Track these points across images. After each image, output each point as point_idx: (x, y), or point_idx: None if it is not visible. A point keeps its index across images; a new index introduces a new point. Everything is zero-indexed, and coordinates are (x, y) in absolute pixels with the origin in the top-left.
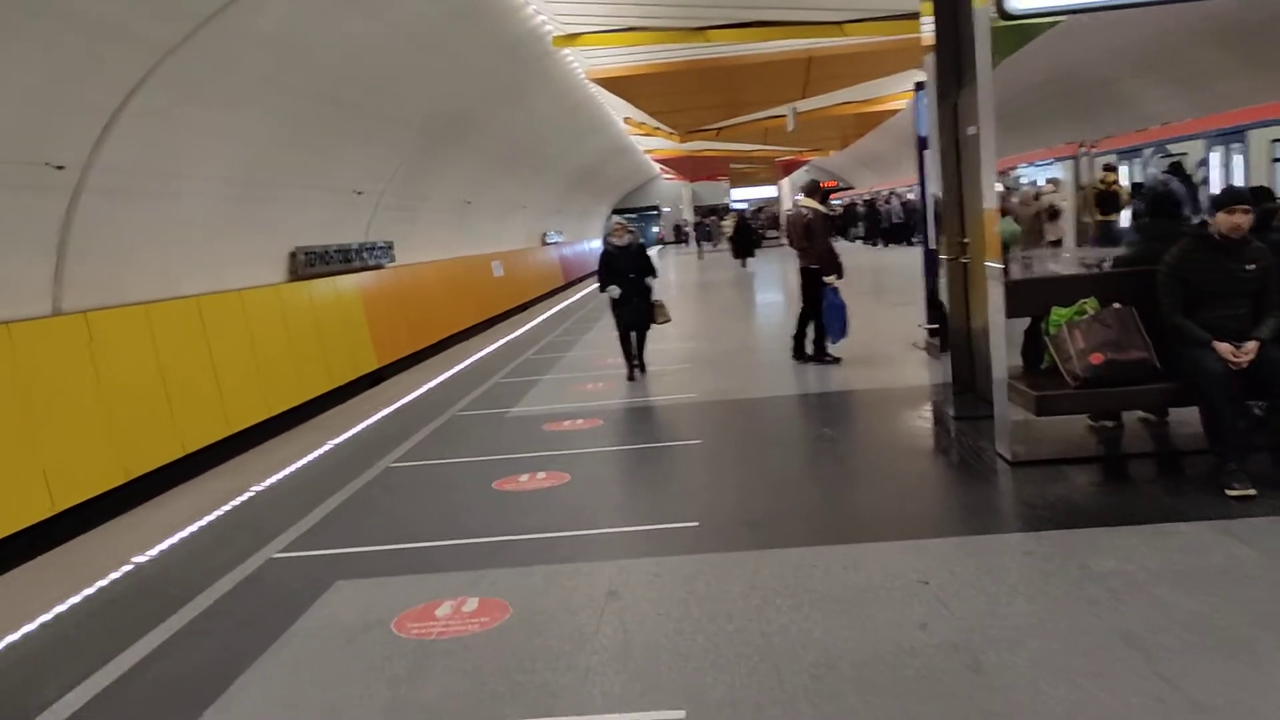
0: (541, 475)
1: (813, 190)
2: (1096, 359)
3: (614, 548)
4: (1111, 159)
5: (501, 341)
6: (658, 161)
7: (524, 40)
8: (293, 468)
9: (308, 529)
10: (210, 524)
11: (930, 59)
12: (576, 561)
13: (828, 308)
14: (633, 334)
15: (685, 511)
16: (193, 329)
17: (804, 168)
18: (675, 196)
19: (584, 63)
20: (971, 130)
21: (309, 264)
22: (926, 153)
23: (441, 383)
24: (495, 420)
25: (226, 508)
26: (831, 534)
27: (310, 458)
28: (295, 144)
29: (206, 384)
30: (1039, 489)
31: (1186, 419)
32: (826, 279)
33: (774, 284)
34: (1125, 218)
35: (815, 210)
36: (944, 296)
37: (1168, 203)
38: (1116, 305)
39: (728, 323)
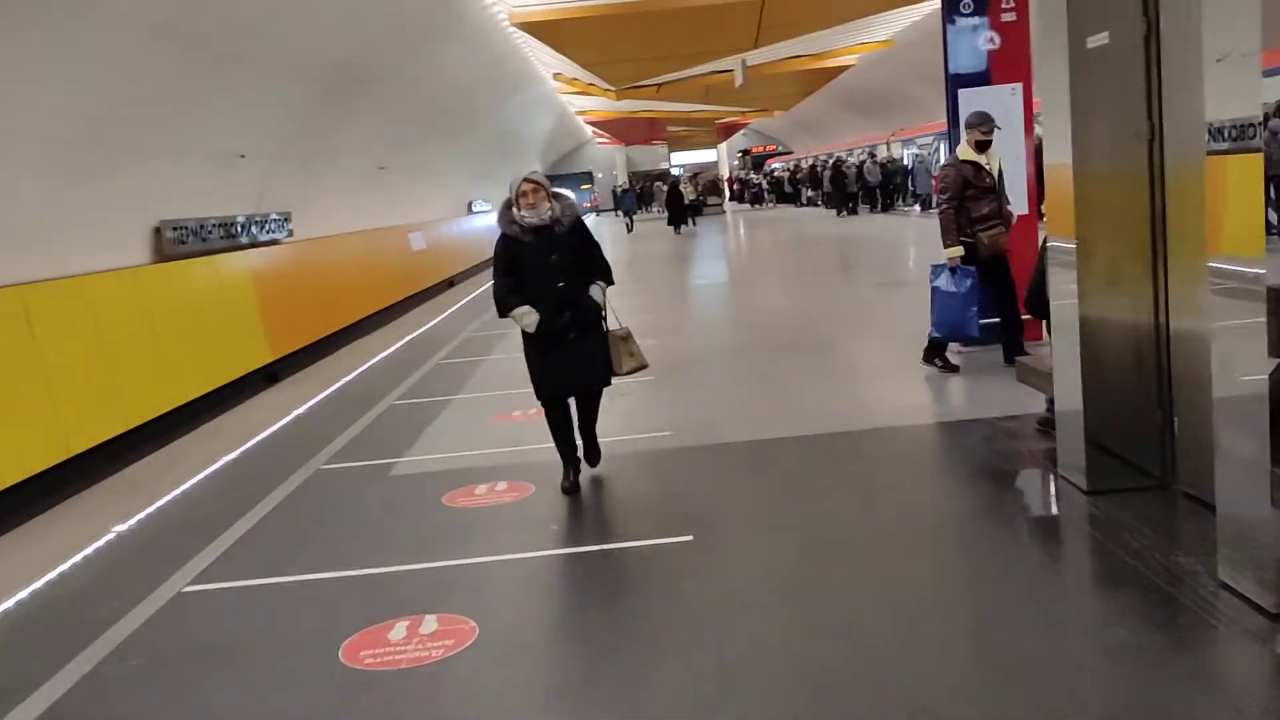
0: (414, 645)
1: (980, 122)
2: None
3: None
4: None
5: (411, 336)
6: (591, 124)
7: None
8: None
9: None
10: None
11: None
12: None
13: (933, 293)
14: (573, 407)
15: None
16: (15, 328)
17: (742, 131)
18: (610, 162)
19: (506, 5)
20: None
21: (179, 241)
22: (968, 93)
23: (329, 396)
24: (368, 484)
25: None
26: None
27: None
28: (156, 98)
29: (35, 396)
30: None
31: None
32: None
33: (716, 256)
34: None
35: (961, 163)
36: (1059, 301)
37: None
38: None
39: (689, 309)
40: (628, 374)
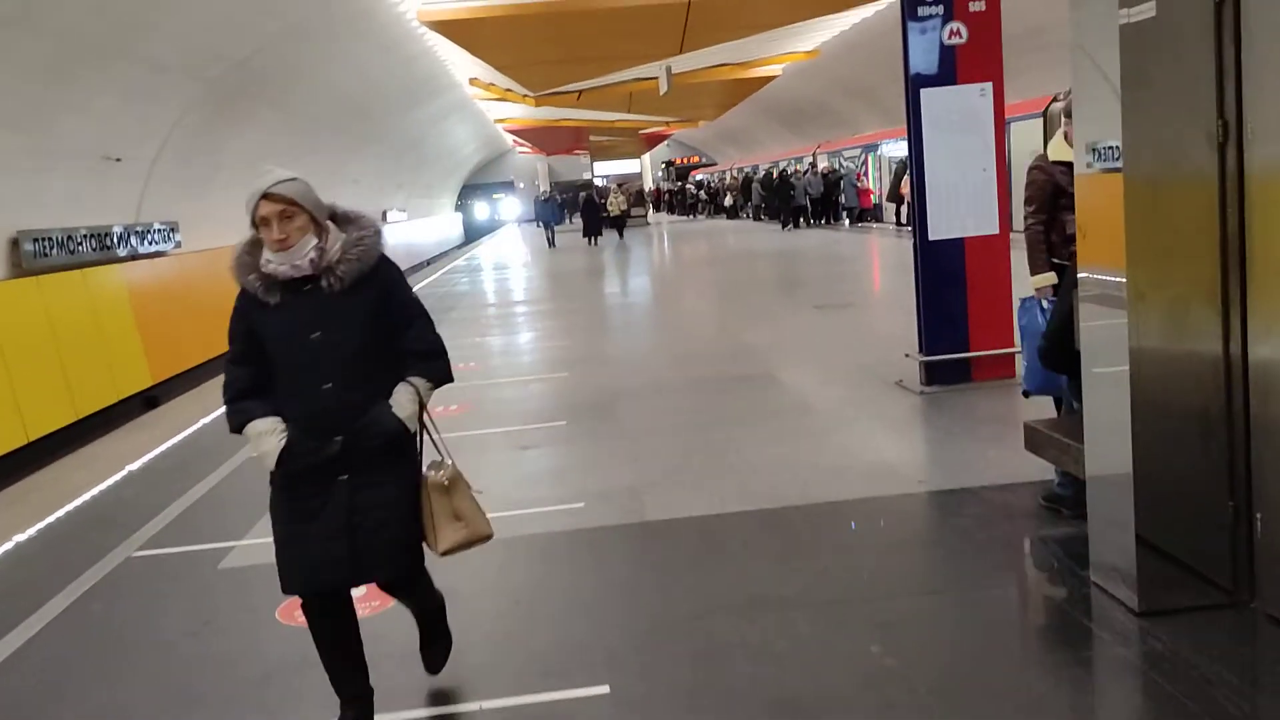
0: None
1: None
2: None
3: None
4: None
5: None
6: (511, 133)
7: None
8: None
9: None
10: None
11: None
12: None
13: (1021, 334)
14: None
15: None
16: None
17: (665, 142)
18: (532, 172)
19: (413, 1)
20: None
21: (40, 254)
22: (932, 93)
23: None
24: (186, 576)
25: None
26: None
27: None
28: (9, 92)
29: None
30: None
31: None
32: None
33: (644, 273)
34: None
35: (1051, 165)
36: (1097, 350)
37: None
38: None
39: (612, 335)
40: (450, 551)
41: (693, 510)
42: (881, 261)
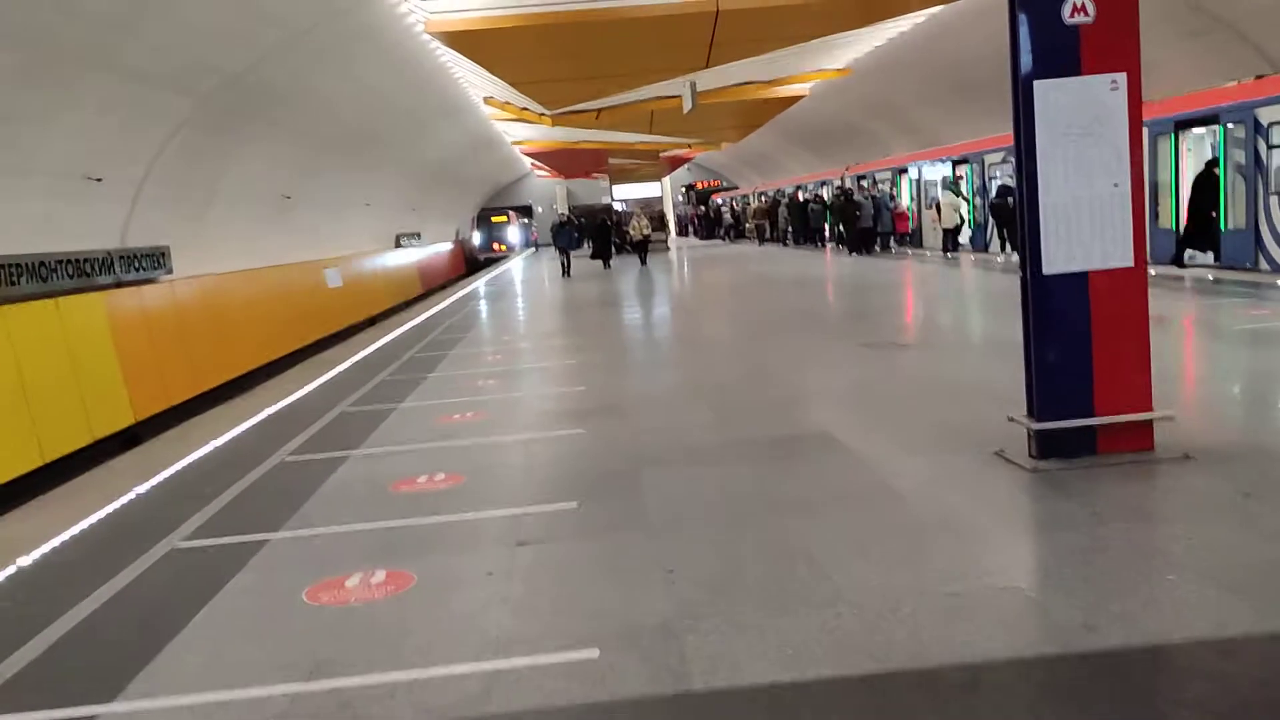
0: None
1: None
2: None
3: None
4: None
5: (280, 405)
6: (528, 155)
7: None
8: None
9: None
10: None
11: None
12: None
13: None
14: None
15: None
16: None
17: (685, 165)
18: (550, 195)
19: (422, 11)
20: None
21: (7, 282)
22: (1048, 87)
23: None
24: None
25: None
26: None
27: None
28: None
29: None
30: None
31: None
32: None
33: (667, 303)
34: None
35: None
36: None
37: None
38: None
39: (633, 381)
40: None
41: (757, 671)
42: (930, 292)
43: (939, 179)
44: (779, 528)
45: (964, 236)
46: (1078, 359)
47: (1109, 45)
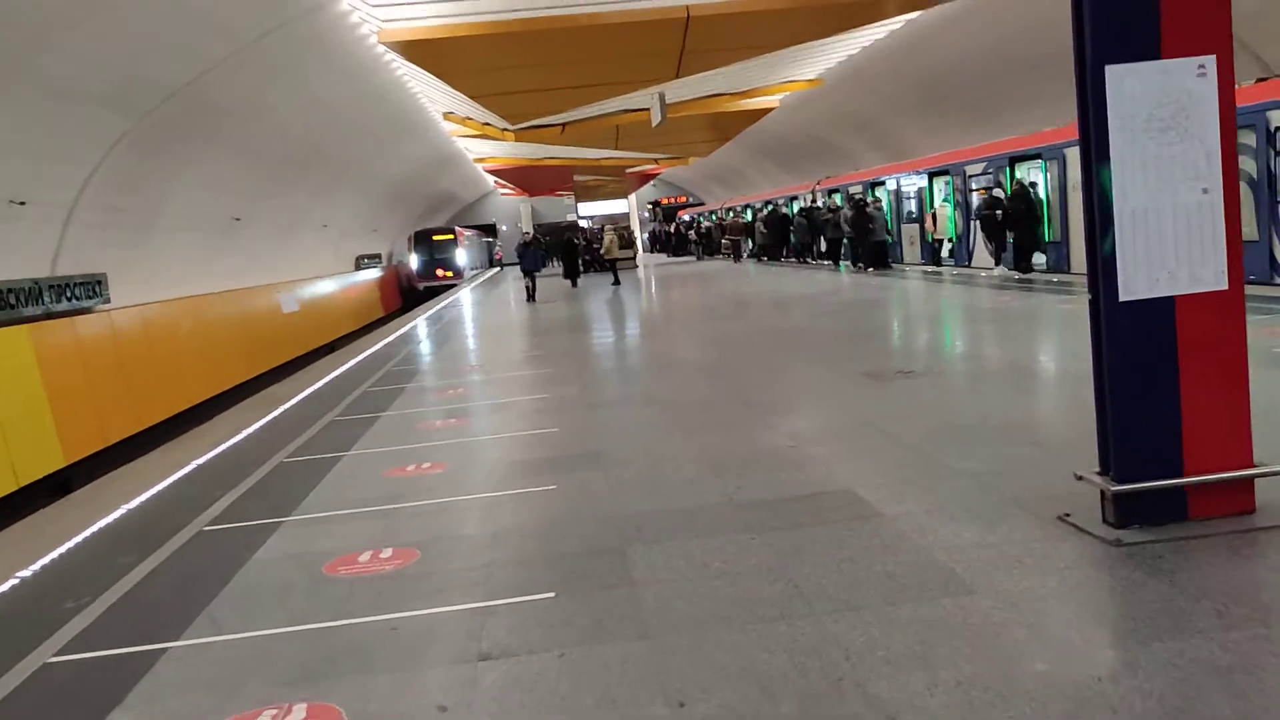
0: None
1: None
2: None
3: None
4: None
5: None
6: (491, 173)
7: None
8: None
9: None
10: None
11: None
12: None
13: None
14: None
15: None
16: None
17: (651, 182)
18: (515, 214)
19: (374, 20)
20: None
21: None
22: (1123, 73)
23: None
24: None
25: None
26: None
27: None
28: None
29: None
30: None
31: None
32: None
33: (640, 329)
34: None
35: None
36: None
37: None
38: None
39: (609, 412)
40: None
41: None
42: (919, 311)
43: (977, 183)
44: (818, 636)
45: (945, 250)
46: (1164, 405)
47: (1195, 22)
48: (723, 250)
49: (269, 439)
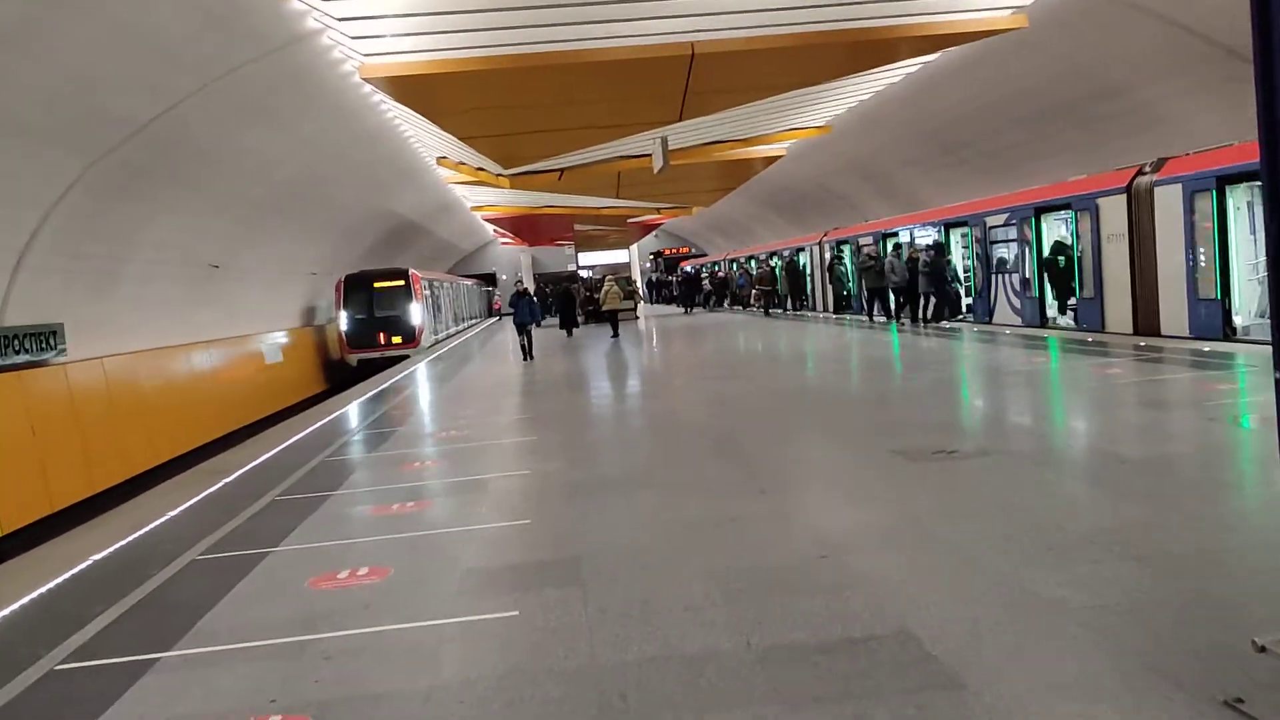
0: None
1: None
2: None
3: None
4: None
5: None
6: (489, 222)
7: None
8: None
9: None
10: None
11: None
12: None
13: None
14: None
15: None
16: None
17: (654, 233)
18: (515, 263)
19: (356, 55)
20: None
21: None
22: None
23: None
24: None
25: None
26: None
27: None
28: None
29: None
30: None
31: None
32: None
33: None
34: None
35: None
36: None
37: None
38: None
39: (593, 504)
40: None
41: None
42: (950, 373)
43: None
44: None
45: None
46: None
47: None
48: (753, 301)
49: (190, 525)
